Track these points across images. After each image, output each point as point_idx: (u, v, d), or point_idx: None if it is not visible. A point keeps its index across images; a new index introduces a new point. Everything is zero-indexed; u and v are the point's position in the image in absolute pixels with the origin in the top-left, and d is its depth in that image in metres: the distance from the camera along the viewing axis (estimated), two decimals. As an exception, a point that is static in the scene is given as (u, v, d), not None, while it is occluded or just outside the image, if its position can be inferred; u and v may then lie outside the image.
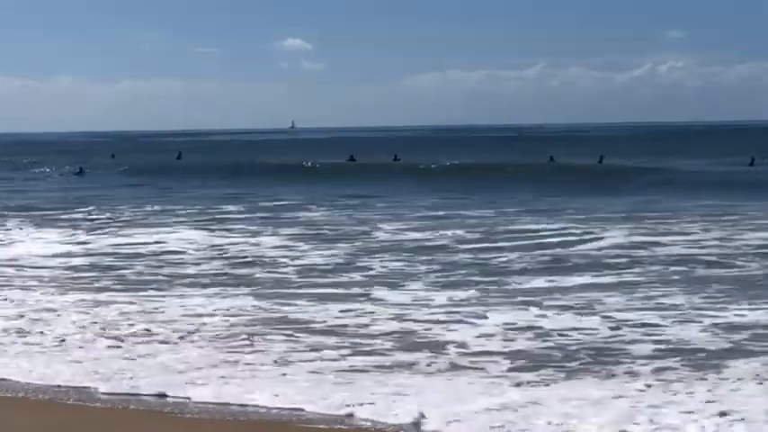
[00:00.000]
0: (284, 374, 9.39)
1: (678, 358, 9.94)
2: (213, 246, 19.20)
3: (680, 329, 11.26)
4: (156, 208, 28.28)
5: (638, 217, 23.04)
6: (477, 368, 9.64)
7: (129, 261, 17.27)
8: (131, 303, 13.19)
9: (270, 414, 8.19)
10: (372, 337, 11.24)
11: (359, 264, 16.63)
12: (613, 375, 9.30)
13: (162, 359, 10.03)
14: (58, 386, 9.07)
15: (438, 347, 10.57)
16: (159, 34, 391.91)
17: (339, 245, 19.04)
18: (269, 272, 15.99)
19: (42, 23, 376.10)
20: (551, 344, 10.68)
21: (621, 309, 12.43)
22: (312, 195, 32.24)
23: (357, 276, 15.42)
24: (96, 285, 14.83)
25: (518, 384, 8.95)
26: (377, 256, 17.48)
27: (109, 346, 10.68)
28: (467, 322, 11.84)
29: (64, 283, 14.95)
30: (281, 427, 7.88)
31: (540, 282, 14.52)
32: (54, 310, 12.65)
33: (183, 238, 20.38)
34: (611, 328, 11.36)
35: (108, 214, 26.71)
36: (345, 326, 11.74)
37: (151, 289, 14.42)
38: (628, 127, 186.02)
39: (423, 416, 7.81)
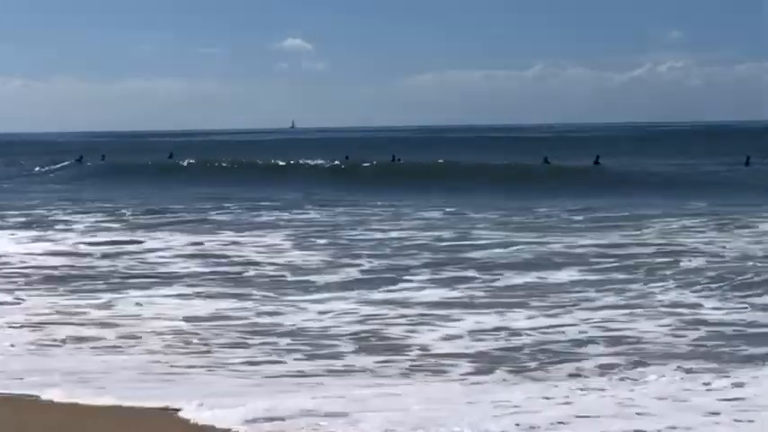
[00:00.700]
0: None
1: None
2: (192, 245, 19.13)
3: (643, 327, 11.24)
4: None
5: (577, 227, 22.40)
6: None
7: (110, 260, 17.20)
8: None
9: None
10: (337, 338, 11.09)
11: (342, 263, 16.55)
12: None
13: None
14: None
15: (399, 350, 10.41)
16: (159, 34, 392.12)
17: (320, 246, 18.98)
18: (250, 272, 15.92)
19: (42, 23, 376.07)
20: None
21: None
22: (294, 196, 32.21)
23: (338, 277, 15.32)
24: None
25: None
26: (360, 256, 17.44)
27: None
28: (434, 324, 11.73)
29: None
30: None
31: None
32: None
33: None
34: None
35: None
36: (308, 328, 11.62)
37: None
38: (627, 127, 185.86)
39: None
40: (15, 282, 15.12)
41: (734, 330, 11.25)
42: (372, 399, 8.19)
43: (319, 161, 46.71)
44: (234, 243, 19.53)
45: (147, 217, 25.57)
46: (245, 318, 12.33)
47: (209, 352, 10.45)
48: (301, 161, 47.39)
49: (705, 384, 8.68)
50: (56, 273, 15.96)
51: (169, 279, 15.28)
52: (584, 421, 7.43)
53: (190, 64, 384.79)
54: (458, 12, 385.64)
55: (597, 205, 26.95)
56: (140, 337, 11.15)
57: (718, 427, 7.34)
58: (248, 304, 13.18)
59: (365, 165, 44.70)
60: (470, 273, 15.45)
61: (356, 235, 20.93)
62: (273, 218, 25.29)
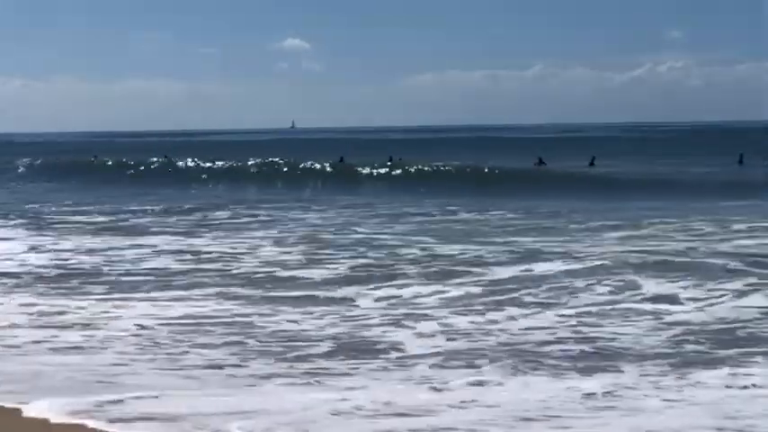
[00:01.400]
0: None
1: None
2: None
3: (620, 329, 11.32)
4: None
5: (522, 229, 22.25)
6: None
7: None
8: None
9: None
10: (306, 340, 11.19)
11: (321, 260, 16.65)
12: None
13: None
14: None
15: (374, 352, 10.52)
16: (159, 34, 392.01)
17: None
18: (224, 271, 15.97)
19: (43, 23, 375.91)
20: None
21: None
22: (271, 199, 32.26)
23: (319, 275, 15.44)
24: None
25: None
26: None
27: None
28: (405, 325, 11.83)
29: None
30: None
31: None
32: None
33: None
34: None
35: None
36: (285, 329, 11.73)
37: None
38: (627, 127, 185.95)
39: None
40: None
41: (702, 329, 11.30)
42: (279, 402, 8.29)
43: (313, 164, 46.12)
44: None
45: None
46: (219, 317, 12.39)
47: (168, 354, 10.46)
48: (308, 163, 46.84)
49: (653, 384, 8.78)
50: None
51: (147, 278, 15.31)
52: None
53: (190, 64, 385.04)
54: (458, 12, 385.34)
55: (577, 207, 27.03)
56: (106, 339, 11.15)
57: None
58: (227, 305, 13.25)
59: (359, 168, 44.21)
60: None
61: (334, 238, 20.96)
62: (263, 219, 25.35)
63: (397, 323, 11.94)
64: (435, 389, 8.86)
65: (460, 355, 10.28)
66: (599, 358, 10.15)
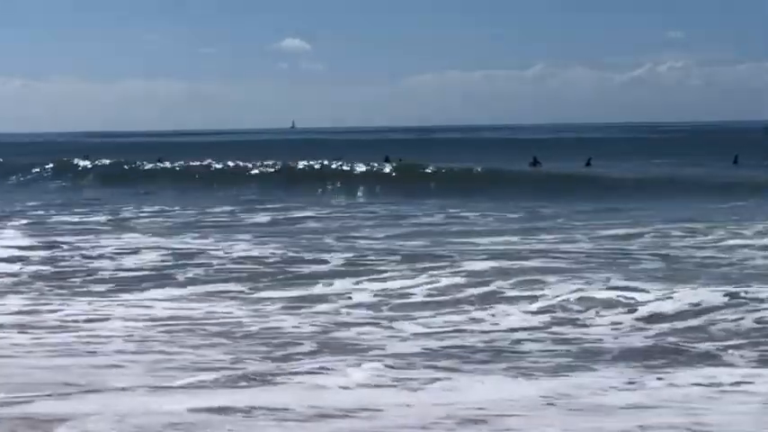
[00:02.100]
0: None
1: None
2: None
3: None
4: None
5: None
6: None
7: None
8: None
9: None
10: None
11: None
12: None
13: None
14: None
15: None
16: (159, 34, 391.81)
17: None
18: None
19: (43, 23, 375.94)
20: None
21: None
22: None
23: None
24: None
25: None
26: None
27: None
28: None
29: None
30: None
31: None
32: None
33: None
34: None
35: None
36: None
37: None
38: (626, 127, 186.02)
39: None
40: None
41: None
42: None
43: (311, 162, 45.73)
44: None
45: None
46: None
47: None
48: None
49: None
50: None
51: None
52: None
53: (190, 64, 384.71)
54: (458, 12, 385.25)
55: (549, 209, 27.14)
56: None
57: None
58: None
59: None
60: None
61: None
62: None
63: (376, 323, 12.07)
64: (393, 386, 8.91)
65: (428, 354, 10.34)
66: (568, 355, 10.25)
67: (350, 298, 13.77)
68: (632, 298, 12.86)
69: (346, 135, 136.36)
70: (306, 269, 16.22)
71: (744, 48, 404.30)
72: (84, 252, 18.44)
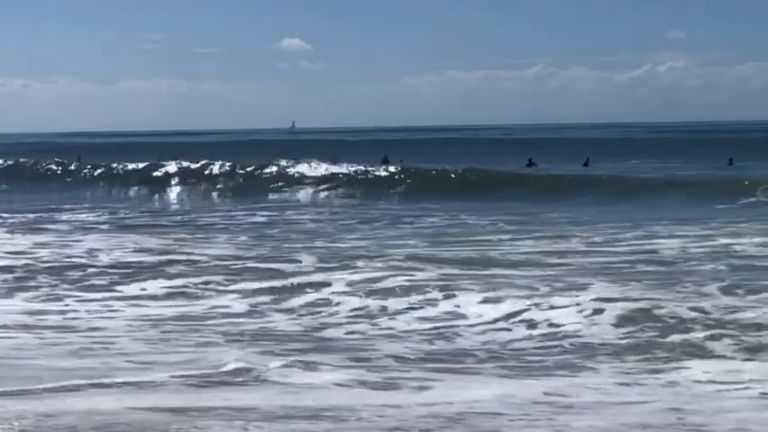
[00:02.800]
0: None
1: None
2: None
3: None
4: None
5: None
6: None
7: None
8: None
9: None
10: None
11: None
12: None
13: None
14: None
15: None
16: (159, 34, 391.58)
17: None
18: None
19: (43, 23, 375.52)
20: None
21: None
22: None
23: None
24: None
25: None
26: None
27: None
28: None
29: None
30: None
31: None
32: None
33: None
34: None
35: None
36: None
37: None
38: (627, 127, 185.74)
39: None
40: None
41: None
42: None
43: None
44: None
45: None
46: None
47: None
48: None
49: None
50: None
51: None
52: None
53: (190, 64, 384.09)
54: (458, 12, 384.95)
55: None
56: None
57: None
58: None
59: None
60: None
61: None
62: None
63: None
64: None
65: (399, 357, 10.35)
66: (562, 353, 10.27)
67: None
68: (618, 298, 12.90)
69: (347, 135, 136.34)
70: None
71: (744, 48, 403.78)
72: None
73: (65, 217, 27.35)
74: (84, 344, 11.07)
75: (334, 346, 10.95)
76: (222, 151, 65.48)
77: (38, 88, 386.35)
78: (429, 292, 13.86)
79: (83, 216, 27.63)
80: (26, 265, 17.09)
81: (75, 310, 13.35)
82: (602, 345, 10.83)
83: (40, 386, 8.78)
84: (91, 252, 18.68)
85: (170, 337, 11.46)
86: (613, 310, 12.21)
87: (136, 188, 41.83)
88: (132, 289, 14.96)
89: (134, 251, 18.72)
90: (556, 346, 10.87)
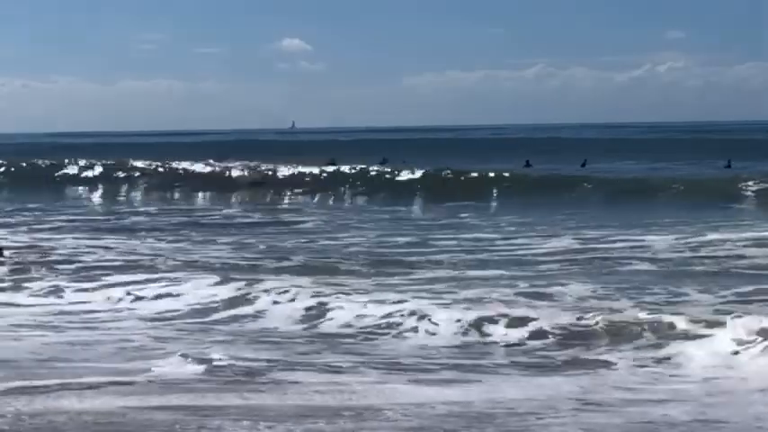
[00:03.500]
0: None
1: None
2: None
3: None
4: None
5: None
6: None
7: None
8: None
9: None
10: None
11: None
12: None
13: None
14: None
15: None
16: (159, 34, 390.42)
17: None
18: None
19: (43, 23, 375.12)
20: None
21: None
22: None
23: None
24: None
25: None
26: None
27: None
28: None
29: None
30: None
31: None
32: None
33: None
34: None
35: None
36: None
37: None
38: (627, 127, 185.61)
39: None
40: None
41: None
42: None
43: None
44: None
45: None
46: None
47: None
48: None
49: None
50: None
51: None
52: None
53: (190, 64, 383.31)
54: (458, 12, 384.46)
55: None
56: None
57: None
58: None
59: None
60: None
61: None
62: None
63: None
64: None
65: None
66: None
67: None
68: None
69: (347, 135, 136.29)
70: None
71: (744, 48, 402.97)
72: None
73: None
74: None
75: (352, 345, 10.99)
76: (223, 151, 65.39)
77: (38, 88, 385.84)
78: (450, 291, 13.99)
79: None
80: None
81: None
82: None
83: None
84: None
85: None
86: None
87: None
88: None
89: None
90: (575, 345, 10.86)
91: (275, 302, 13.58)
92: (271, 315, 13.04)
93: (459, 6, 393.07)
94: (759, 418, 8.01)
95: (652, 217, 25.13)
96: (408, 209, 29.71)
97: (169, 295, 14.36)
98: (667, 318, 11.38)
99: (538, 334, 11.45)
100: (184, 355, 9.96)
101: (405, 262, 17.51)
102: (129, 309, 13.90)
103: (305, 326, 12.47)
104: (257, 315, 13.11)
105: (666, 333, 11.00)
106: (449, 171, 40.18)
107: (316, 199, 36.27)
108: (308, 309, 13.08)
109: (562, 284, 14.50)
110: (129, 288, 14.91)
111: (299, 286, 14.19)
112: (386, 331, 11.90)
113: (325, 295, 13.58)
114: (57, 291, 14.93)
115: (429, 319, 12.14)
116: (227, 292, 14.16)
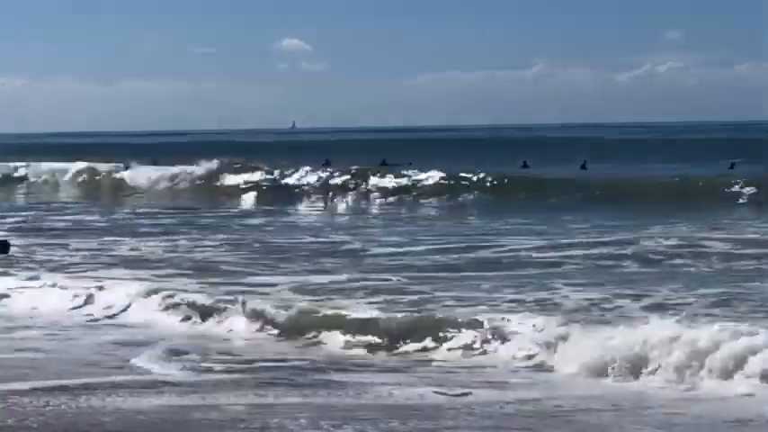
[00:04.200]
0: None
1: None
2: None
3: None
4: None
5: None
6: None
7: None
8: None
9: None
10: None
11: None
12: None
13: None
14: None
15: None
16: (159, 34, 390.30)
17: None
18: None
19: (42, 23, 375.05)
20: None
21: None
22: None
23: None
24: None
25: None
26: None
27: None
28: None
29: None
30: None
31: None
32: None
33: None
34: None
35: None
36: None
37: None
38: (627, 127, 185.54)
39: None
40: None
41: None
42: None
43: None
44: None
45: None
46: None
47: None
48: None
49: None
50: None
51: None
52: None
53: (190, 64, 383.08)
54: (458, 12, 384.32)
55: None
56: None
57: None
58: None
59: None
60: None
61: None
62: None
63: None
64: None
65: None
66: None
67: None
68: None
69: (347, 135, 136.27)
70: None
71: (744, 48, 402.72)
72: None
73: None
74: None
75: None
76: (223, 151, 65.25)
77: (38, 88, 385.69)
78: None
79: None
80: None
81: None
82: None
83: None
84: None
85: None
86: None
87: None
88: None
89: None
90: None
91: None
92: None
93: (460, 6, 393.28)
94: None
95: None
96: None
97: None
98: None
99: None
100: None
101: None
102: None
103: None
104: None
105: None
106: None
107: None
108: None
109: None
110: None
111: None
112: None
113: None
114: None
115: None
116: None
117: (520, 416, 8.30)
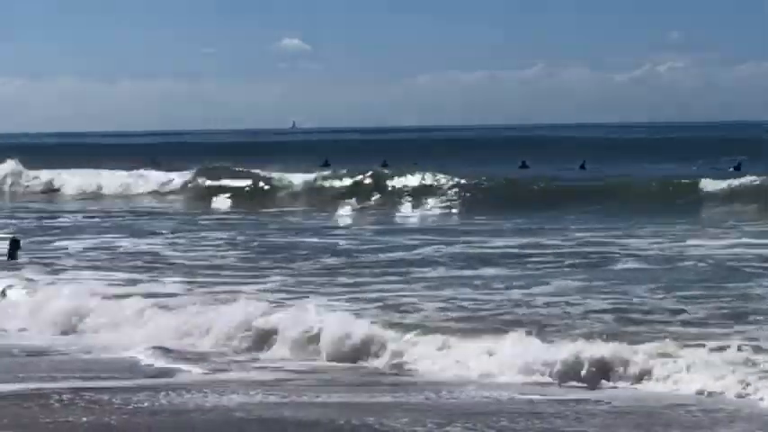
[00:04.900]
0: None
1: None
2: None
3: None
4: None
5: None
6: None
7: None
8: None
9: None
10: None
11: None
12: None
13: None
14: None
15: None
16: (159, 34, 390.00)
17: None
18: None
19: (42, 23, 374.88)
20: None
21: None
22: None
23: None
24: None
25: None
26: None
27: None
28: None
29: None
30: None
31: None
32: None
33: None
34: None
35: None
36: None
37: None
38: (627, 127, 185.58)
39: None
40: None
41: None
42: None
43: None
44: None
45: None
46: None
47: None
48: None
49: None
50: None
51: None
52: None
53: (190, 64, 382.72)
54: (457, 12, 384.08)
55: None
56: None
57: None
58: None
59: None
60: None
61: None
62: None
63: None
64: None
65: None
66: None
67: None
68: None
69: (347, 135, 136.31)
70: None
71: (744, 48, 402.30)
72: None
73: None
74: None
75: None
76: (223, 152, 65.39)
77: (38, 88, 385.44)
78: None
79: None
80: None
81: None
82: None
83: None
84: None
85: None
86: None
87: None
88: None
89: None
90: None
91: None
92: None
93: (459, 7, 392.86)
94: None
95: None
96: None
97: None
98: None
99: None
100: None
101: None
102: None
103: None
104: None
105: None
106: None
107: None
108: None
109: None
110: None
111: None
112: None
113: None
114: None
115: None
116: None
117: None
